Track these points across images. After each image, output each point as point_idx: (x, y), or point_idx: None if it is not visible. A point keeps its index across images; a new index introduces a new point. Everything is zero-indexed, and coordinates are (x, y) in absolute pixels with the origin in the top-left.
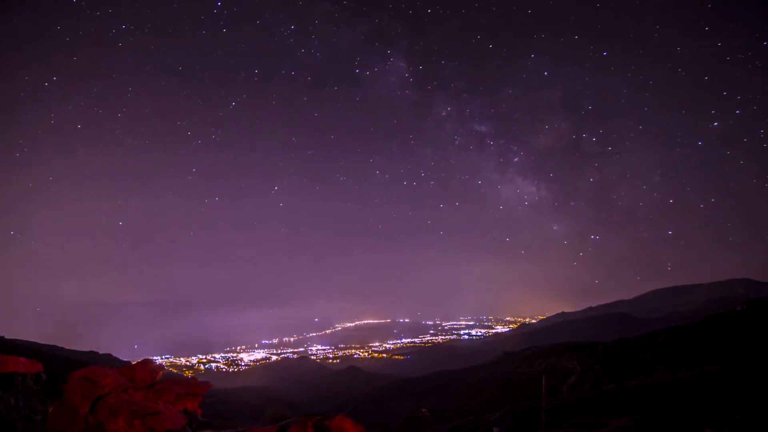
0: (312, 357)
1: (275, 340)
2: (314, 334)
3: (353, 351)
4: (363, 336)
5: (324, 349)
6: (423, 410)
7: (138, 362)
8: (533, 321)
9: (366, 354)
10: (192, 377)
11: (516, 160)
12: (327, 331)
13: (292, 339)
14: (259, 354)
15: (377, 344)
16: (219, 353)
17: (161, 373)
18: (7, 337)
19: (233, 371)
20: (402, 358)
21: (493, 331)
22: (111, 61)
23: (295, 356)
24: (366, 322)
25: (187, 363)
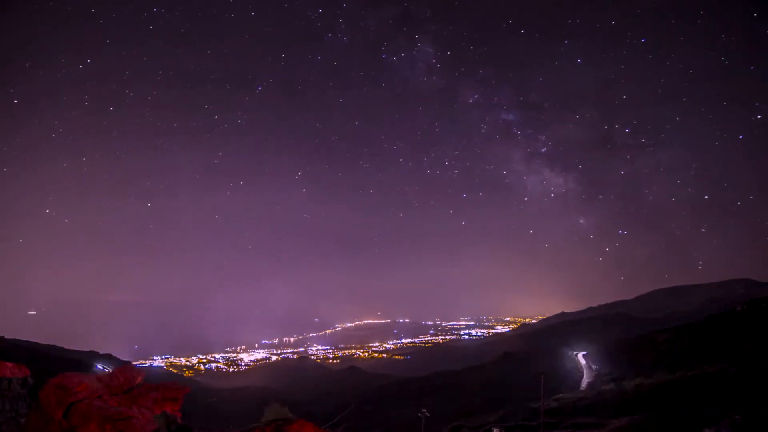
0: (312, 357)
1: (275, 340)
2: (314, 334)
3: (353, 351)
4: (363, 336)
5: (324, 349)
6: (423, 410)
7: (118, 368)
8: (533, 321)
9: (366, 354)
10: (170, 381)
11: (543, 150)
12: (327, 331)
13: (292, 339)
14: (259, 354)
15: (377, 344)
16: (219, 353)
17: (140, 378)
18: (7, 337)
19: (233, 371)
20: (402, 358)
21: (493, 331)
22: (142, 43)
23: (295, 356)
24: (366, 322)
25: (187, 363)
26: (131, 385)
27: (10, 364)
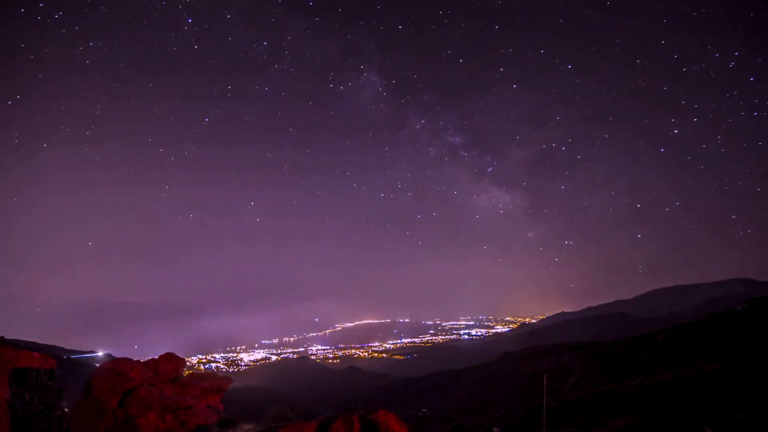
0: (312, 357)
1: (275, 340)
2: (314, 334)
3: (353, 351)
4: (363, 336)
5: (324, 349)
6: (423, 410)
7: (162, 356)
8: (533, 321)
9: (366, 354)
10: (213, 372)
11: (490, 170)
12: (327, 331)
13: (292, 339)
14: (259, 354)
15: (377, 344)
16: (219, 353)
17: (184, 366)
18: (7, 337)
19: (233, 371)
20: (402, 358)
21: (493, 331)
22: (78, 78)
23: (295, 356)
24: (366, 322)
25: (188, 363)
26: (177, 373)
27: (36, 354)
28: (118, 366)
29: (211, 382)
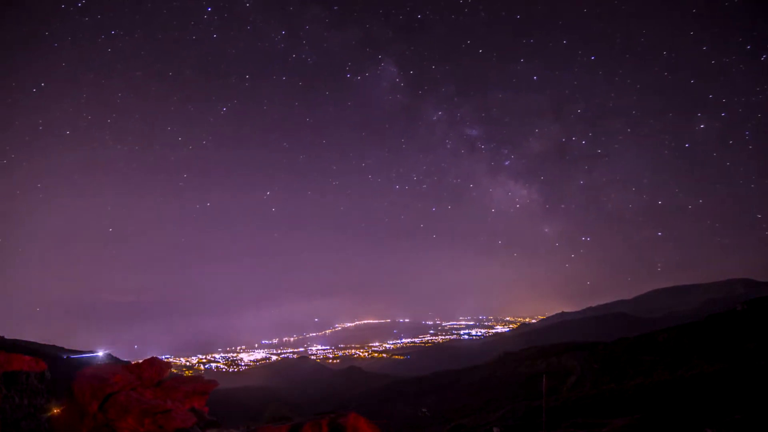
0: (312, 357)
1: (275, 340)
2: (314, 334)
3: (353, 351)
4: (363, 336)
5: (324, 349)
6: (423, 410)
7: (145, 360)
8: (533, 321)
9: (366, 354)
10: (198, 375)
11: (507, 163)
12: (327, 331)
13: (292, 339)
14: (259, 354)
15: (377, 344)
16: (219, 353)
17: (168, 371)
18: (7, 337)
19: (233, 371)
20: (402, 358)
21: (493, 331)
22: (101, 66)
23: (295, 356)
24: (366, 322)
25: (187, 363)
26: (161, 377)
27: (27, 358)
28: (99, 371)
29: (194, 386)
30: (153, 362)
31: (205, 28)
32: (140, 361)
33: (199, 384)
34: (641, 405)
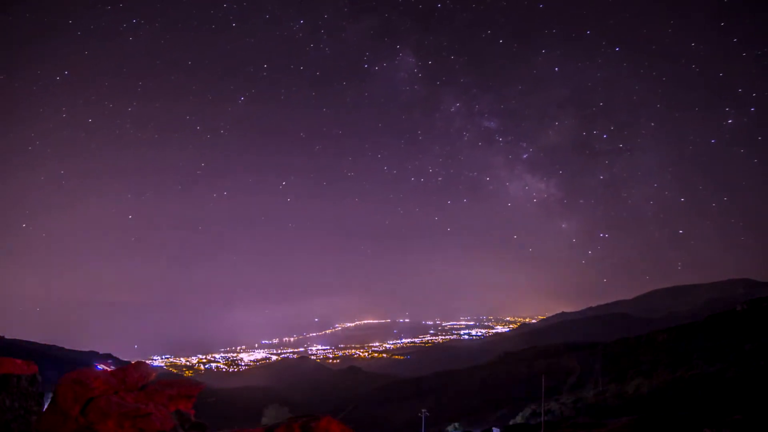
0: (312, 357)
1: (275, 340)
2: (314, 334)
3: (353, 351)
4: (363, 336)
5: (324, 349)
6: (423, 410)
7: (131, 364)
8: (533, 321)
9: (366, 354)
10: (184, 378)
11: (525, 156)
12: (327, 331)
13: (292, 339)
14: (259, 354)
15: (377, 344)
16: (219, 353)
17: (154, 374)
18: (7, 337)
19: (233, 371)
20: (402, 358)
21: (493, 331)
22: (121, 55)
23: (295, 356)
24: (366, 322)
25: (187, 363)
26: (145, 381)
27: (18, 361)
28: (81, 376)
29: (179, 389)
30: (138, 366)
31: (224, 17)
32: (128, 365)
33: (184, 387)
34: (641, 405)
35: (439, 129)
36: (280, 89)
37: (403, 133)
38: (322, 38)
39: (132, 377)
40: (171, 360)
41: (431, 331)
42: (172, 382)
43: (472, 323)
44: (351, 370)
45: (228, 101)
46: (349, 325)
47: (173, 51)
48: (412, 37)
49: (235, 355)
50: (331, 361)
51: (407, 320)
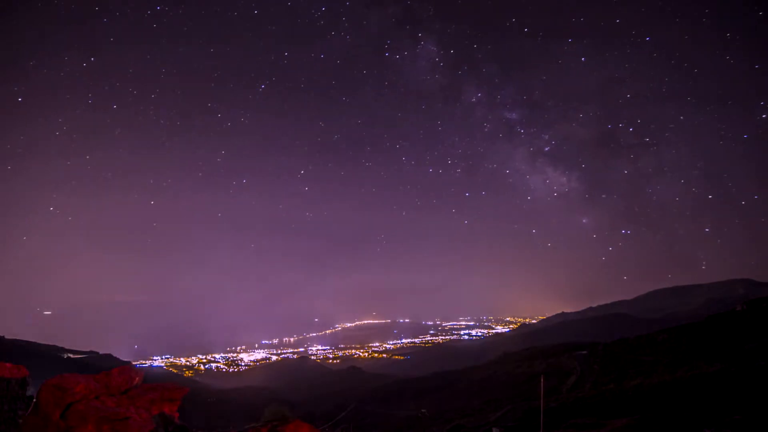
0: (312, 357)
1: (275, 340)
2: (314, 334)
3: (353, 351)
4: (363, 336)
5: (324, 349)
6: (423, 410)
7: (115, 369)
8: (533, 321)
9: (366, 354)
10: (169, 382)
11: (547, 149)
12: (327, 331)
13: (292, 339)
14: (259, 354)
15: (377, 344)
16: (219, 353)
17: (138, 378)
18: (7, 337)
19: (233, 371)
20: (402, 358)
21: (493, 331)
22: (146, 42)
23: (296, 356)
24: (366, 322)
25: (187, 363)
26: (129, 385)
27: (9, 365)
28: (62, 381)
29: (162, 393)
30: (123, 371)
31: (247, 3)
32: (112, 369)
33: (166, 391)
34: (641, 405)
35: (459, 119)
36: (300, 77)
37: (423, 123)
38: (344, 26)
39: (115, 381)
40: (171, 360)
41: (431, 331)
42: (156, 386)
43: (472, 323)
44: (351, 370)
45: (248, 89)
46: (349, 325)
47: (195, 38)
48: (434, 26)
49: (235, 355)
50: (331, 361)
51: (407, 320)
